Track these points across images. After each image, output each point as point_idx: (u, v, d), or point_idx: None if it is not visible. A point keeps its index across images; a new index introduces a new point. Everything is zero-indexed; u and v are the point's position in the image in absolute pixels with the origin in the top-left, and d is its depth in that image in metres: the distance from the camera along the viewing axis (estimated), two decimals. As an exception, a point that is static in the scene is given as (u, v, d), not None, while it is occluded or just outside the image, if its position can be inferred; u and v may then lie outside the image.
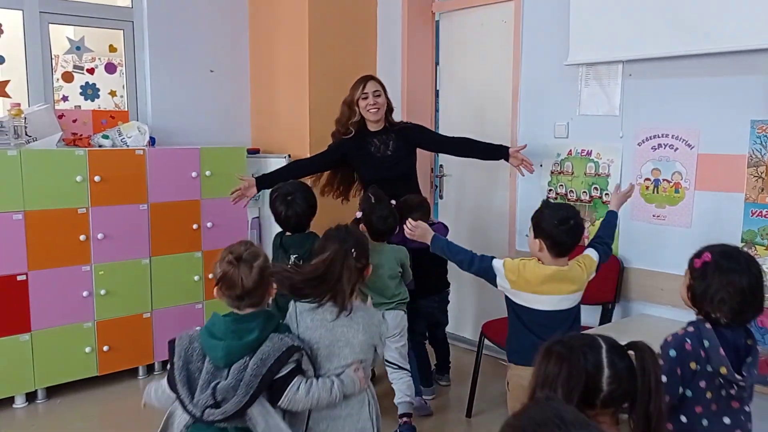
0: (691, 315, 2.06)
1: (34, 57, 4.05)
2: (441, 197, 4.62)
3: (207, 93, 4.68)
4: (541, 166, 3.78)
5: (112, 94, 4.37)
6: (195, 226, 4.16)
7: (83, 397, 3.77)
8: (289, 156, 4.44)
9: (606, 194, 3.50)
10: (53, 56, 4.13)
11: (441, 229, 3.46)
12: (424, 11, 4.59)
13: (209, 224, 4.21)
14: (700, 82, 3.12)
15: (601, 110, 3.49)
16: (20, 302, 3.56)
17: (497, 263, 2.58)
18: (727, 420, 1.97)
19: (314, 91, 4.40)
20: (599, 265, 2.72)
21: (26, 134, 3.74)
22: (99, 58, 4.31)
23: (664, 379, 1.76)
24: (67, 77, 4.22)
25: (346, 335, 2.12)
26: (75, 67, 4.25)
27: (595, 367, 1.45)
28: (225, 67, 4.76)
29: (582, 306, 3.51)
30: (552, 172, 3.74)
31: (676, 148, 3.21)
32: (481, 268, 2.60)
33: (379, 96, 3.47)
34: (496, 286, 2.60)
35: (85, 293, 3.76)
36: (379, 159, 3.52)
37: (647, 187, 3.33)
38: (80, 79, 4.27)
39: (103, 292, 3.82)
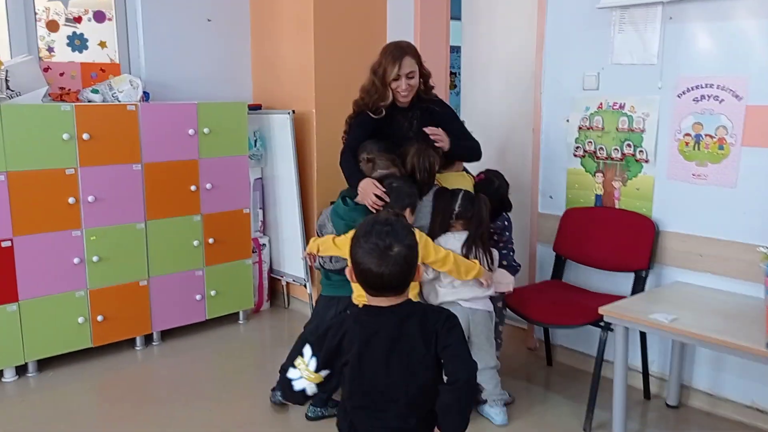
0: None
1: (15, 3, 3.72)
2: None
3: (204, 44, 4.36)
4: (567, 121, 3.47)
5: (102, 45, 4.05)
6: (193, 188, 3.88)
7: (77, 370, 3.55)
8: (293, 112, 4.13)
9: (640, 151, 3.19)
10: (35, 3, 3.80)
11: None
12: (439, -47, 4.22)
13: (208, 185, 3.93)
14: (749, 25, 2.78)
15: (637, 58, 3.16)
16: (6, 270, 3.31)
17: None
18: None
19: (320, 41, 4.07)
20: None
21: (8, 88, 3.45)
22: (87, 7, 3.97)
23: None
24: (53, 26, 3.89)
25: None
26: (64, 19, 3.92)
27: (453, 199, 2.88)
28: (224, 15, 4.42)
29: (613, 273, 3.28)
30: (580, 128, 3.42)
31: (722, 100, 2.89)
32: None
33: (412, 78, 3.06)
34: None
35: (76, 260, 3.51)
36: (400, 138, 3.17)
37: (687, 143, 3.02)
38: (67, 29, 3.94)
39: (95, 258, 3.57)
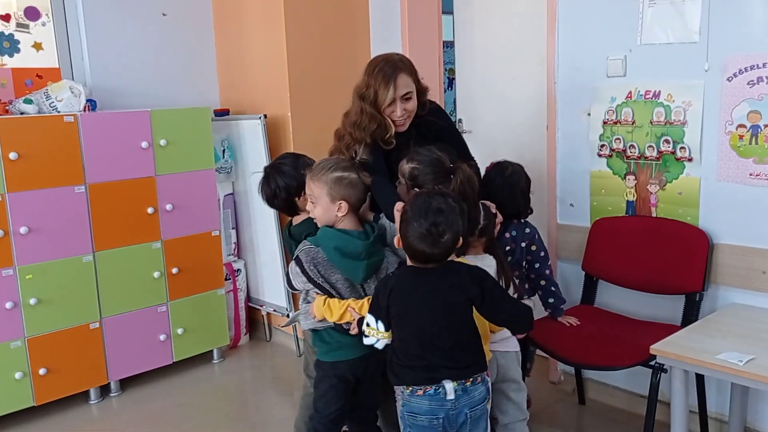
0: None
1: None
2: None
3: (160, 42, 3.77)
4: (588, 115, 2.93)
5: (37, 47, 3.45)
6: (150, 210, 3.30)
7: (17, 436, 2.97)
8: (265, 116, 3.56)
9: (681, 148, 2.65)
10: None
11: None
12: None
13: (168, 206, 3.36)
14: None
15: (674, 36, 2.62)
16: None
17: None
18: None
19: (292, 34, 3.49)
20: None
21: None
22: (15, 2, 3.38)
23: None
24: (-26, 26, 3.31)
25: None
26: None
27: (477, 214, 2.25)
28: (181, 8, 3.83)
29: (660, 297, 2.74)
30: (605, 123, 2.88)
31: (785, 82, 2.36)
32: None
33: (409, 99, 2.42)
34: None
35: (8, 304, 2.93)
36: (395, 157, 2.47)
37: (741, 137, 2.49)
38: (-6, 29, 3.35)
39: (33, 301, 2.99)
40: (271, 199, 2.45)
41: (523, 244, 2.62)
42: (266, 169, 2.51)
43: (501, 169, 2.65)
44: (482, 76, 3.72)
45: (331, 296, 2.16)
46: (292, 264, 2.18)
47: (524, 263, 2.65)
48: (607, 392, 3.01)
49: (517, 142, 3.45)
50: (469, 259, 2.31)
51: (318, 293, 2.18)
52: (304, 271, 2.14)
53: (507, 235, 2.59)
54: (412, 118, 2.48)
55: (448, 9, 3.82)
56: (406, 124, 2.46)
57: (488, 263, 2.30)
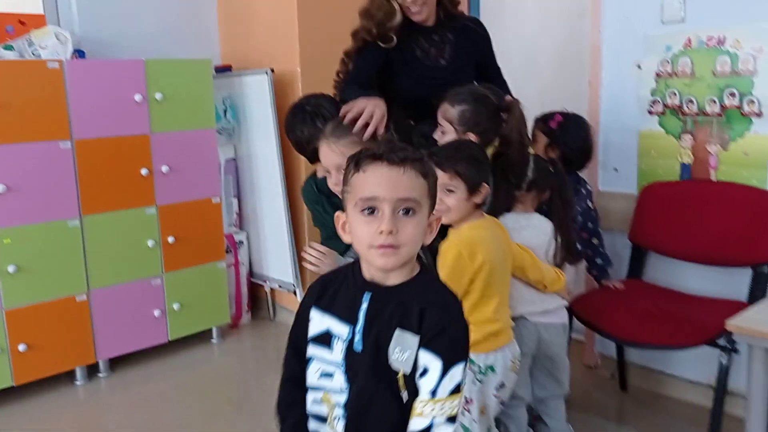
0: None
1: None
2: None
3: (156, -10, 3.43)
4: (639, 67, 2.61)
5: (20, -11, 3.11)
6: (144, 172, 2.97)
7: (-6, 419, 2.65)
8: (272, 71, 3.23)
9: (750, 101, 2.34)
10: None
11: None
12: None
13: (164, 168, 3.03)
14: None
15: (744, -27, 2.31)
16: None
17: None
18: None
19: (303, -19, 3.17)
20: None
21: None
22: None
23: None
24: (-50, -36, 2.96)
25: None
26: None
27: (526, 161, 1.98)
28: (179, -47, 3.50)
29: (716, 269, 2.43)
30: (658, 75, 2.56)
31: None
32: None
33: None
34: None
35: (-17, 272, 2.60)
36: (427, 69, 2.29)
37: (822, 87, 2.18)
38: (-29, -32, 3.00)
39: (11, 269, 2.66)
40: (301, 144, 2.14)
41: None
42: (303, 108, 2.19)
43: (573, 127, 2.41)
44: (512, 23, 3.38)
45: None
46: None
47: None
48: (653, 378, 2.70)
49: (551, 99, 3.12)
50: (514, 216, 2.01)
51: None
52: None
53: None
54: (432, 6, 2.26)
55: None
56: (424, 11, 2.23)
57: (535, 223, 2.00)
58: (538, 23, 3.25)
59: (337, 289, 1.29)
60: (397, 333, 1.19)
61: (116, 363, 3.07)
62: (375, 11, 2.20)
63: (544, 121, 2.46)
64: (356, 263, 1.28)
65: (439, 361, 1.16)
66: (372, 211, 1.17)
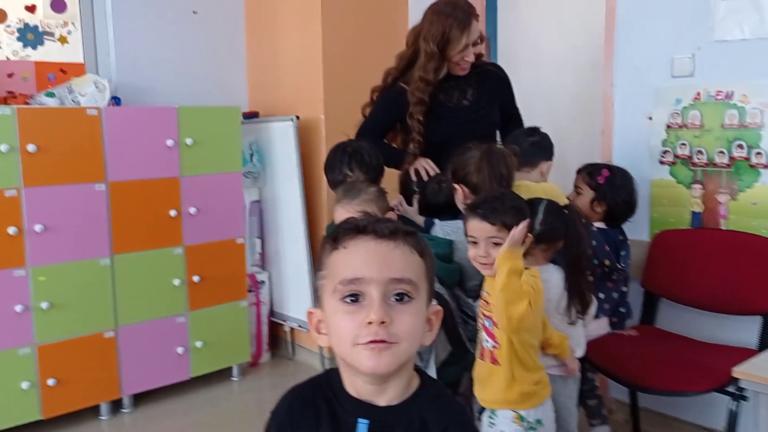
0: None
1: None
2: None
3: (189, 40, 3.61)
4: (650, 119, 2.71)
5: (63, 40, 3.30)
6: (173, 213, 3.10)
7: (20, 452, 2.74)
8: (297, 118, 3.37)
9: (757, 153, 2.41)
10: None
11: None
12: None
13: (192, 210, 3.15)
14: None
15: (750, 32, 2.41)
16: None
17: None
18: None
19: (329, 33, 3.32)
20: None
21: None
22: (42, -8, 3.24)
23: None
24: (-1, 16, 3.16)
25: None
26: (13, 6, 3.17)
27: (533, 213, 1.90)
28: (212, 6, 3.68)
29: (726, 317, 2.48)
30: (669, 127, 2.65)
31: None
32: None
33: (477, 44, 2.49)
34: None
35: (18, 308, 2.71)
36: (452, 110, 2.50)
37: (827, 141, 2.25)
38: (16, 19, 3.19)
39: (45, 305, 2.77)
40: (337, 184, 2.29)
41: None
42: (344, 149, 2.37)
43: (617, 173, 2.48)
44: (526, 76, 3.50)
45: None
46: None
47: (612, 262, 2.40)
48: (666, 424, 2.73)
49: (566, 149, 3.22)
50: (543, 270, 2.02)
51: None
52: None
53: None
54: None
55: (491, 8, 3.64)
56: (468, 68, 2.51)
57: (546, 277, 2.00)
58: (554, 73, 3.38)
59: (315, 415, 0.99)
60: None
61: (140, 398, 3.15)
62: (429, 64, 2.41)
63: (590, 175, 2.47)
64: (331, 375, 0.98)
65: None
66: (356, 297, 0.90)
